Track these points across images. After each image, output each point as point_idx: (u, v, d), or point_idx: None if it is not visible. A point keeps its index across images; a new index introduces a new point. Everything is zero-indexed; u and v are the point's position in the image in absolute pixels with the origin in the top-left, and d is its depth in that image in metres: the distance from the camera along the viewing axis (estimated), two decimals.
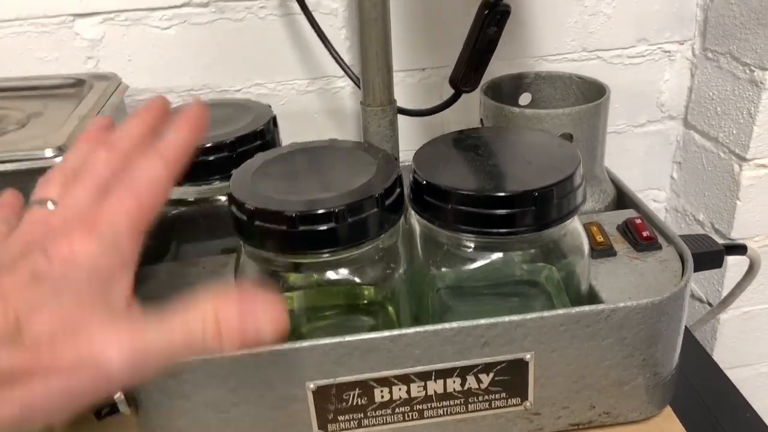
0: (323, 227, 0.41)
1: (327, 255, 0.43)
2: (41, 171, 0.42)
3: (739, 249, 0.57)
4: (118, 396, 0.45)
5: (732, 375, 0.78)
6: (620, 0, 0.71)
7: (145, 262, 0.56)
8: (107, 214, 0.28)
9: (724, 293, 0.72)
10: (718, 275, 0.74)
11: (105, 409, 0.46)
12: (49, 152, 0.44)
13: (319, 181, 0.45)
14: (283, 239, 0.42)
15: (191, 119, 0.32)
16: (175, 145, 0.31)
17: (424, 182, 0.45)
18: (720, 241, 0.71)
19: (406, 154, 0.77)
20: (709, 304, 0.76)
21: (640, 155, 0.81)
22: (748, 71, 0.65)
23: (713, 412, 0.54)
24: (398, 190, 0.45)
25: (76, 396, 0.25)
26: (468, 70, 0.52)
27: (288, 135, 0.72)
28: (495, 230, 0.43)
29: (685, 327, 0.61)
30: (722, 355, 0.78)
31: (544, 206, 0.43)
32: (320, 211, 0.41)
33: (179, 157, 0.31)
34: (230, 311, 0.27)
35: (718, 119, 0.71)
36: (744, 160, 0.68)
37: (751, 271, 0.60)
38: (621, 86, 0.76)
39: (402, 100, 0.74)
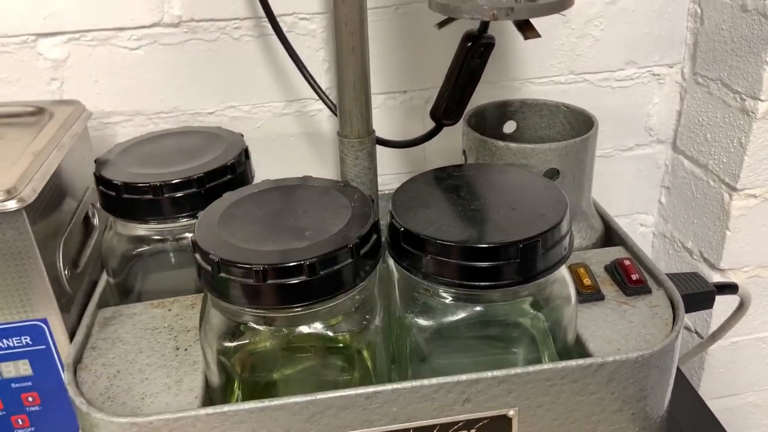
0: (294, 281, 0.38)
1: (299, 309, 0.40)
2: None
3: (731, 288, 0.55)
4: None
5: (720, 405, 0.77)
6: (608, 22, 0.69)
7: (110, 301, 0.53)
8: None
9: (713, 325, 0.70)
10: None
11: None
12: None
13: (291, 227, 0.42)
14: (250, 293, 0.39)
15: None
16: None
17: (402, 229, 0.42)
18: (708, 271, 0.70)
19: (385, 179, 0.75)
20: (698, 334, 0.74)
21: (627, 179, 0.79)
22: (739, 99, 0.63)
23: None
24: (374, 236, 0.42)
25: None
26: (450, 104, 0.50)
27: (263, 158, 0.70)
28: (477, 283, 0.41)
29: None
30: (710, 386, 0.76)
31: (529, 258, 0.40)
32: (291, 264, 0.38)
33: None
34: None
35: (708, 146, 0.69)
36: (734, 189, 0.66)
37: (741, 308, 0.58)
38: (609, 109, 0.74)
39: (383, 123, 0.71)
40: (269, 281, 0.38)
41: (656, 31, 0.70)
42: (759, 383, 0.78)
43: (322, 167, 0.73)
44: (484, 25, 0.46)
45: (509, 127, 0.63)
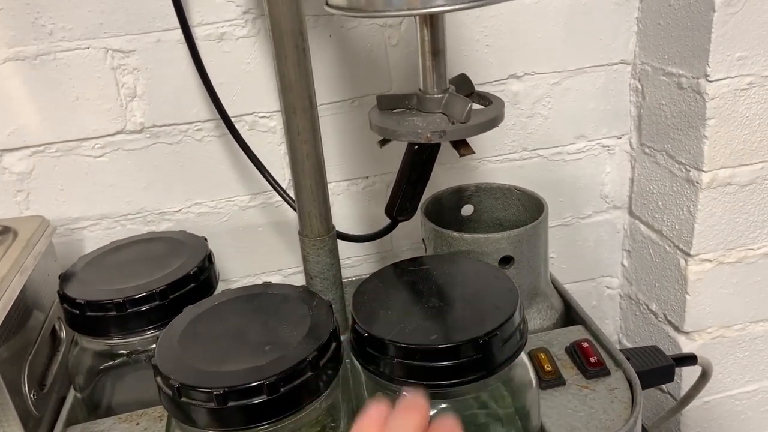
0: (256, 400, 0.39)
1: (264, 427, 0.40)
2: None
3: (690, 360, 0.56)
4: None
5: None
6: (555, 101, 0.73)
7: (78, 416, 0.53)
8: None
9: (684, 386, 0.71)
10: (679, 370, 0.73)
11: None
12: None
13: (251, 342, 0.43)
14: (213, 415, 0.39)
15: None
16: None
17: (366, 334, 0.43)
18: (673, 333, 0.71)
19: (353, 260, 0.76)
20: (670, 394, 0.75)
21: (589, 244, 0.81)
22: (684, 170, 0.66)
23: None
24: (333, 345, 0.43)
25: None
26: (403, 202, 0.52)
27: (232, 250, 0.71)
28: (441, 382, 0.42)
29: (645, 426, 0.60)
30: None
31: (489, 352, 0.42)
32: (251, 384, 0.39)
33: None
34: None
35: (661, 213, 0.72)
36: (689, 255, 0.68)
37: (704, 377, 0.60)
38: (564, 181, 0.77)
39: (347, 208, 0.73)
40: (230, 403, 0.39)
41: (602, 106, 0.74)
42: None
43: (290, 253, 0.75)
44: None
45: (467, 210, 0.65)
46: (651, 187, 0.73)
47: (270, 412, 0.40)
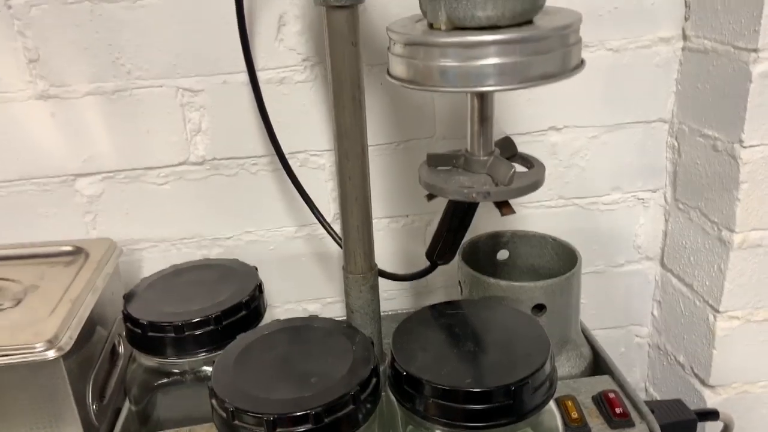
0: (301, 429, 0.43)
1: None
2: (32, 365, 0.45)
3: (712, 415, 0.58)
4: None
5: None
6: (593, 154, 0.75)
7: (131, 428, 0.57)
8: None
9: None
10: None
11: None
12: (40, 346, 0.46)
13: (298, 372, 0.47)
14: None
15: None
16: None
17: (405, 373, 0.46)
18: (699, 386, 0.73)
19: (391, 293, 0.80)
20: None
21: (620, 293, 0.83)
22: (716, 229, 0.68)
23: None
24: (374, 381, 0.47)
25: None
26: (443, 247, 0.55)
27: (277, 278, 0.75)
28: (473, 424, 0.45)
29: None
30: None
31: (519, 399, 0.44)
32: (298, 414, 0.43)
33: None
34: None
35: (692, 268, 0.74)
36: (717, 311, 0.70)
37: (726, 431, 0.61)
38: (598, 230, 0.80)
39: (386, 244, 0.77)
40: (278, 429, 0.42)
41: (638, 161, 0.77)
42: None
43: (330, 283, 0.79)
44: None
45: (502, 255, 0.68)
46: (683, 242, 0.75)
47: None
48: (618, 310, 0.84)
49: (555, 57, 0.42)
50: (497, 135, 0.53)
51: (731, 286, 0.68)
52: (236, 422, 0.43)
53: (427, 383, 0.45)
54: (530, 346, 0.48)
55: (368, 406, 0.46)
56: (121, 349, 0.61)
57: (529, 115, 0.73)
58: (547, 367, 0.46)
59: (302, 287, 0.79)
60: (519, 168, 0.47)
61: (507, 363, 0.46)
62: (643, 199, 0.79)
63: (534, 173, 0.48)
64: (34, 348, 0.46)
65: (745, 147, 0.63)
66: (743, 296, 0.69)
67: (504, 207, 0.46)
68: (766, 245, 0.67)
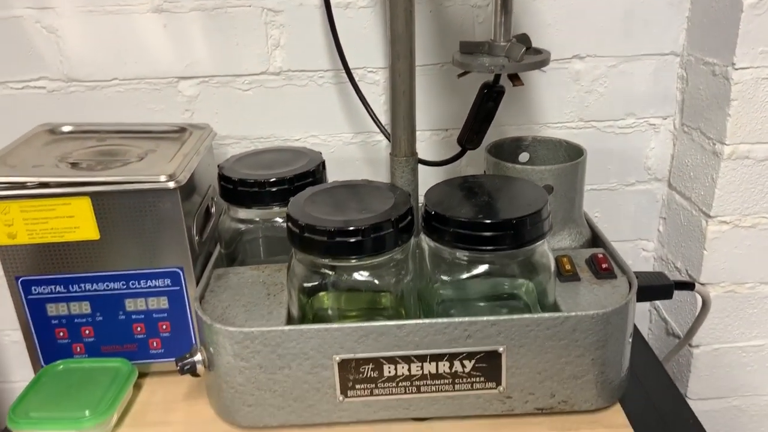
0: (353, 239, 0.57)
1: (354, 260, 0.59)
2: (157, 191, 0.61)
3: (688, 285, 0.70)
4: (198, 357, 0.61)
5: (706, 406, 0.90)
6: (611, 81, 0.87)
7: (219, 266, 0.74)
8: None
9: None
10: (691, 315, 0.86)
11: (186, 367, 0.62)
12: (163, 178, 0.62)
13: (352, 208, 0.62)
14: (324, 247, 0.58)
15: None
16: None
17: (433, 212, 0.61)
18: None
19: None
20: (677, 337, 0.88)
21: (630, 210, 0.95)
22: (711, 144, 0.80)
23: (662, 417, 0.66)
24: (409, 217, 0.61)
25: None
26: (471, 134, 0.69)
27: (334, 175, 0.90)
28: (484, 247, 0.59)
29: (659, 360, 0.74)
30: (696, 388, 0.89)
31: (519, 231, 0.58)
32: (351, 228, 0.57)
33: None
34: None
35: (692, 182, 0.85)
36: (709, 216, 0.81)
37: (704, 307, 0.73)
38: (613, 151, 0.91)
39: (429, 153, 0.91)
40: (336, 239, 0.57)
41: (651, 90, 0.88)
42: (741, 389, 0.90)
43: None
44: (497, 77, 0.65)
45: (523, 157, 0.81)
46: (686, 161, 0.86)
47: (360, 249, 0.58)
48: (627, 225, 0.96)
49: None
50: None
51: (721, 193, 0.80)
52: (306, 234, 0.58)
53: (450, 218, 0.59)
54: (532, 199, 0.61)
55: (403, 235, 0.60)
56: (213, 210, 0.77)
57: (556, 44, 0.85)
58: (543, 213, 0.60)
59: None
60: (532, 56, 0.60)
61: (512, 208, 0.60)
62: (654, 124, 0.90)
63: (541, 56, 0.61)
64: (159, 179, 0.62)
65: (736, 69, 0.74)
66: (732, 203, 0.80)
67: (515, 79, 0.59)
68: (753, 157, 0.78)
